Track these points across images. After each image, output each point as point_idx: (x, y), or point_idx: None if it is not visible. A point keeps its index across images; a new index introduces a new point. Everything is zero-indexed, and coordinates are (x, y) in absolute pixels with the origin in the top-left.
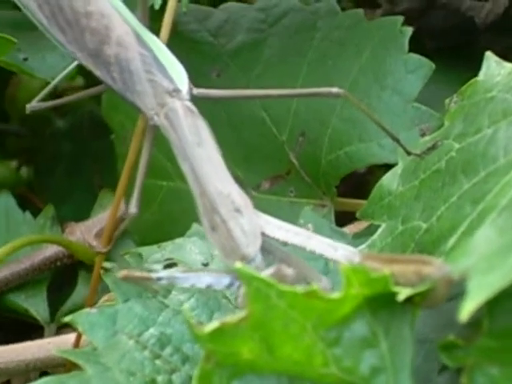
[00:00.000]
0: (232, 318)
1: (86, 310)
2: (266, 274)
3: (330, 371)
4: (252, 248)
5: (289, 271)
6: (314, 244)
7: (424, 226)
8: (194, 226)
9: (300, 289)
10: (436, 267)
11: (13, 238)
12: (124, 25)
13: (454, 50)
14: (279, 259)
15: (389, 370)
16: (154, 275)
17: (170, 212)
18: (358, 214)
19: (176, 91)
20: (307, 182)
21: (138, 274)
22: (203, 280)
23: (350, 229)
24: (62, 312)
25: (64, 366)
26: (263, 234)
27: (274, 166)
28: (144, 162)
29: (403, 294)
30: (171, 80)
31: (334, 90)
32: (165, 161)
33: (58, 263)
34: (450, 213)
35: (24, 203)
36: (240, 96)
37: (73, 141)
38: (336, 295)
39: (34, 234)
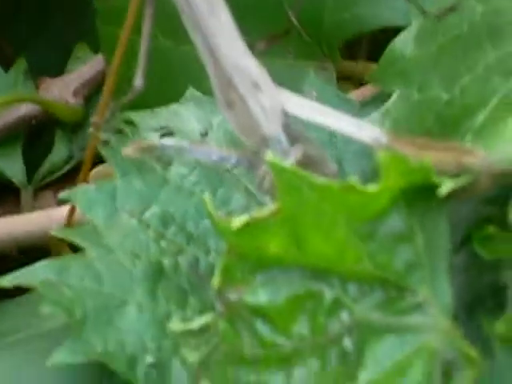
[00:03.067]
0: (261, 211)
1: (84, 185)
2: (293, 156)
3: (362, 267)
4: (273, 126)
5: (314, 152)
6: (337, 122)
7: (445, 96)
8: (190, 90)
9: (335, 182)
10: (478, 157)
11: None
12: None
13: None
14: (297, 139)
15: (425, 266)
16: (159, 143)
17: (155, 74)
18: (367, 77)
19: None
20: (307, 43)
21: (143, 144)
22: (211, 155)
23: (355, 95)
24: (39, 174)
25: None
26: (284, 112)
27: (271, 25)
28: (148, 23)
29: (446, 186)
30: None
31: None
32: None
33: (33, 122)
34: (475, 85)
35: None
36: None
37: None
38: (373, 188)
39: (6, 90)
